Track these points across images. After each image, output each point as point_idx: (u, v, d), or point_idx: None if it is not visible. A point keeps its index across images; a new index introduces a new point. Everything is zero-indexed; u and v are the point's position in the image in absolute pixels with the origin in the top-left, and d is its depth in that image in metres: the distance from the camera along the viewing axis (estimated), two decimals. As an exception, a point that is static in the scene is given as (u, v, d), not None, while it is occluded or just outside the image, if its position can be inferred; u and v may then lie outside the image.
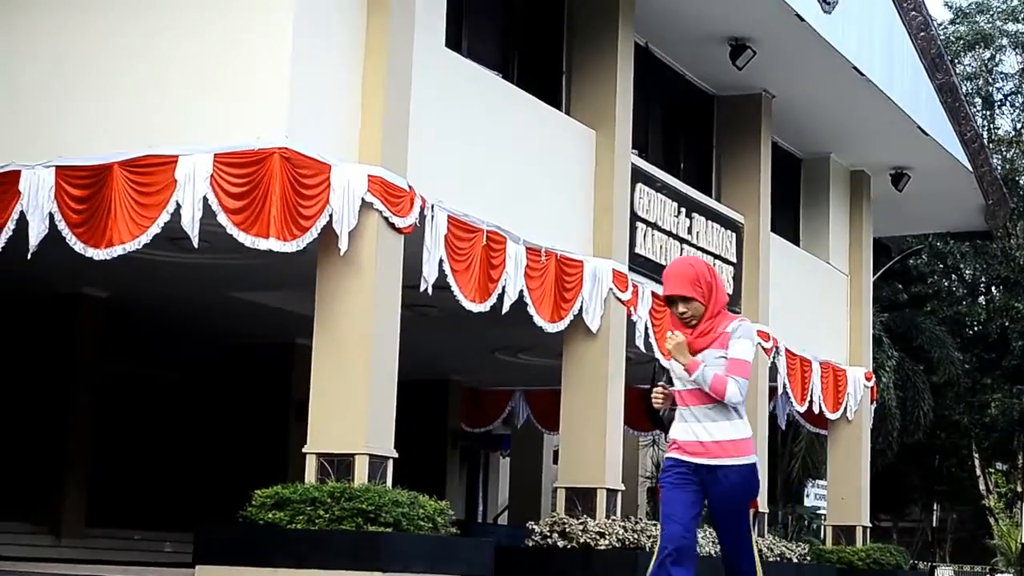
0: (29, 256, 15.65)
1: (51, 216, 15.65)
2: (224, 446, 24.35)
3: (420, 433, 26.52)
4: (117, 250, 15.32)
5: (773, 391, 25.54)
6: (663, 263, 22.18)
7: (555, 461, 26.36)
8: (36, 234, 15.67)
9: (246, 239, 14.87)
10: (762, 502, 24.27)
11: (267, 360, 24.30)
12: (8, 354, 21.42)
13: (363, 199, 15.46)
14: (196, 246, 15.21)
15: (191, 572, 14.76)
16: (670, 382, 9.80)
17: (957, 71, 52.16)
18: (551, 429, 27.87)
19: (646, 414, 24.86)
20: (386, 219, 15.71)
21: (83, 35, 16.21)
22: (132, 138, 15.47)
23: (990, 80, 57.07)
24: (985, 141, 40.17)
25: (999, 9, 55.74)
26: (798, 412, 26.98)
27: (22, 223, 15.73)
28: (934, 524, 60.32)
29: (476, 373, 29.37)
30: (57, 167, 15.67)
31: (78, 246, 15.53)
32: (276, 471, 16.08)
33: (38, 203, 15.71)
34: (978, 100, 56.27)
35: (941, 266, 55.19)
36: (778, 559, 23.85)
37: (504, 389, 30.32)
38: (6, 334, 21.34)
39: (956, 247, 52.75)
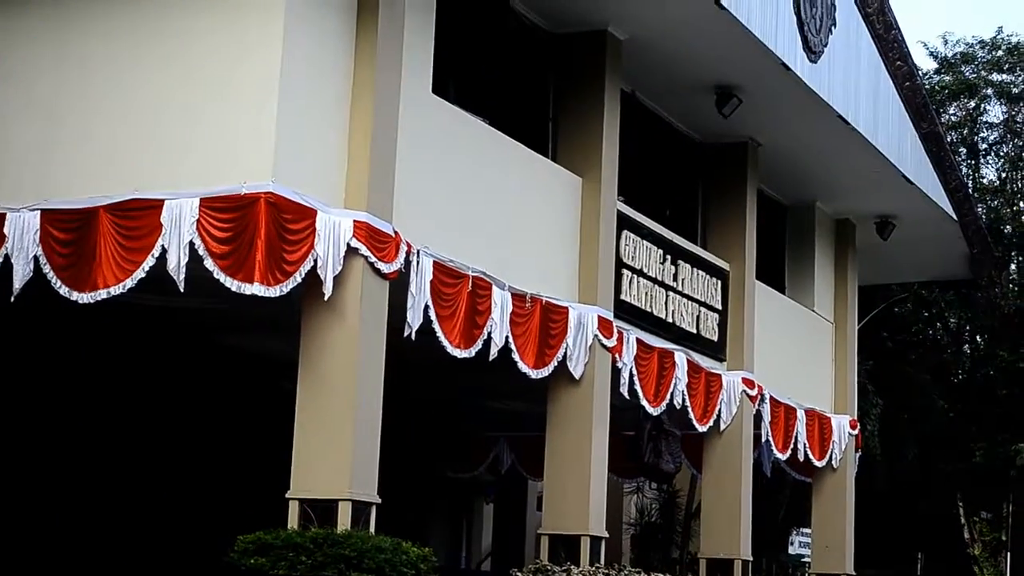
0: (12, 300, 15.62)
1: (36, 260, 15.63)
2: (208, 490, 24.21)
3: (403, 479, 26.43)
4: (101, 294, 15.33)
5: (757, 439, 25.52)
6: (648, 310, 22.21)
7: (539, 507, 26.30)
8: (21, 277, 15.66)
9: (232, 284, 14.85)
10: (748, 551, 24.31)
11: (250, 405, 24.19)
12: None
13: (348, 244, 15.46)
14: (182, 290, 15.16)
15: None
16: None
17: (942, 120, 52.35)
18: (535, 475, 27.82)
19: (631, 461, 25.05)
20: (371, 264, 15.71)
21: (70, 79, 16.23)
22: (118, 181, 15.48)
23: (975, 129, 57.22)
24: (970, 190, 40.36)
25: (984, 59, 55.95)
26: (782, 460, 26.96)
27: (6, 266, 15.70)
28: (919, 573, 60.14)
29: (461, 419, 29.28)
30: (42, 210, 15.67)
31: (63, 290, 15.53)
32: (261, 516, 15.95)
33: (23, 246, 15.70)
34: (963, 149, 56.45)
35: (926, 314, 55.21)
36: (762, 608, 23.78)
37: (489, 435, 30.25)
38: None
39: (941, 296, 52.80)
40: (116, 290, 15.27)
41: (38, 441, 21.70)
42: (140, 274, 15.17)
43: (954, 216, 29.22)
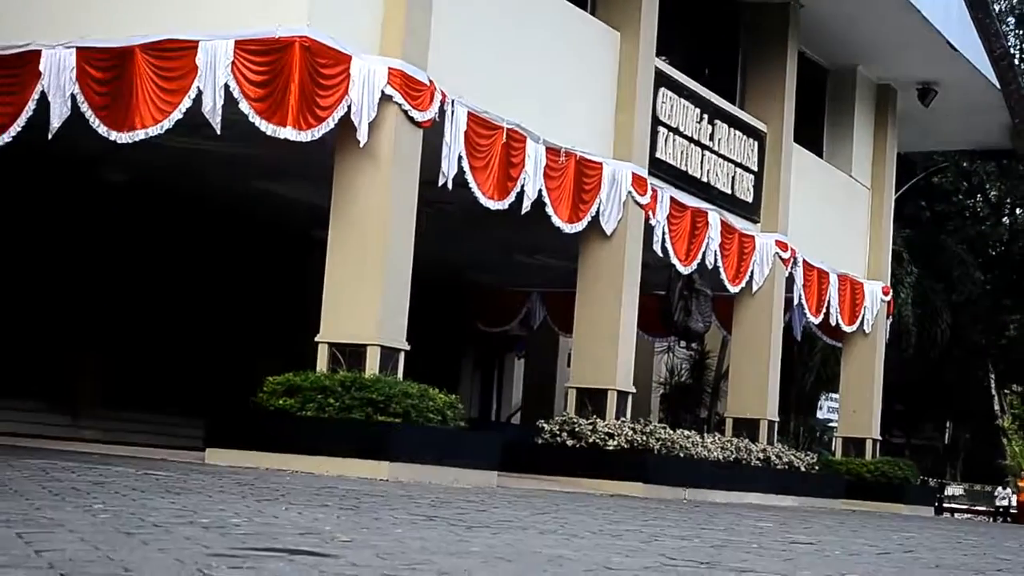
0: (51, 137, 15.67)
1: (73, 98, 15.64)
2: (240, 333, 24.48)
3: (436, 332, 26.62)
4: (140, 134, 15.35)
5: (789, 302, 25.57)
6: (683, 169, 22.16)
7: (569, 364, 26.46)
8: (58, 115, 15.68)
9: (267, 127, 14.88)
10: (775, 412, 24.46)
11: (283, 250, 24.37)
12: (28, 236, 21.50)
13: (383, 91, 15.45)
14: (218, 132, 15.18)
15: (202, 455, 14.89)
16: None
17: (991, -12, 51.59)
18: (567, 331, 27.93)
19: (662, 320, 25.12)
20: (405, 112, 15.70)
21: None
22: (153, 21, 15.43)
23: (1025, -1, 56.45)
24: (1016, 61, 39.85)
25: (1038, -74, 55.10)
26: (814, 324, 27.01)
27: (43, 104, 15.73)
28: (946, 442, 60.48)
29: (493, 273, 29.39)
30: (78, 48, 15.65)
31: (101, 129, 15.53)
32: (290, 360, 16.14)
33: (60, 84, 15.69)
34: (1011, 19, 55.70)
35: (966, 185, 54.90)
36: (786, 467, 23.97)
37: (521, 290, 30.35)
38: (26, 215, 21.40)
39: (982, 167, 52.45)
40: (154, 131, 15.31)
41: (85, 284, 21.97)
42: (177, 115, 15.19)
43: (997, 85, 28.89)
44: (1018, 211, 56.55)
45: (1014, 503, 46.34)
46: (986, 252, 54.04)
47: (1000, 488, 48.28)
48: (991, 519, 47.33)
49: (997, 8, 49.85)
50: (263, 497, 8.57)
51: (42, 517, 5.64)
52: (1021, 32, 56.46)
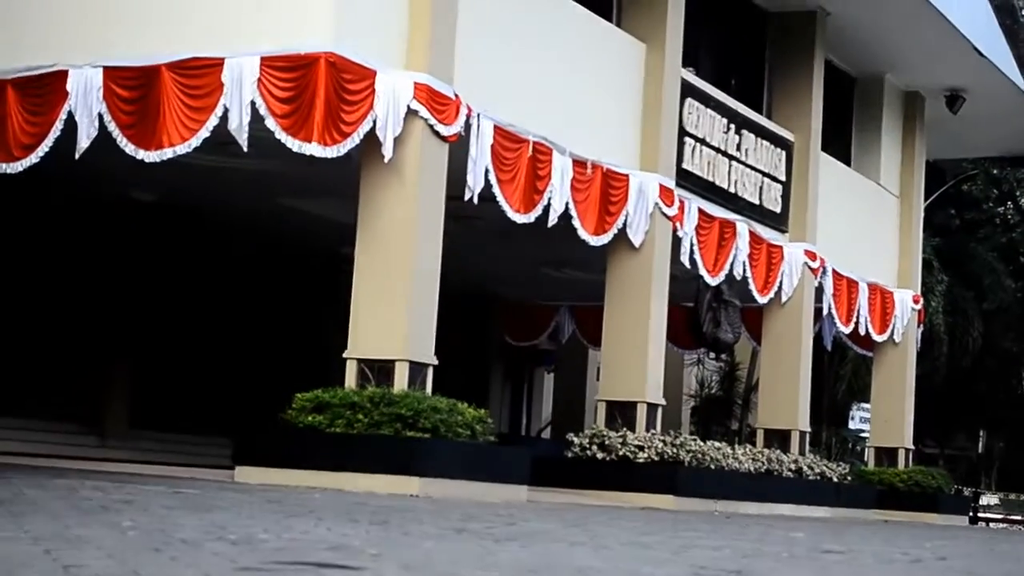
0: (77, 157, 15.71)
1: (100, 117, 15.68)
2: (268, 351, 24.52)
3: (464, 347, 26.61)
4: (167, 153, 15.37)
5: (819, 312, 25.47)
6: (711, 179, 22.11)
7: (599, 377, 26.44)
8: (86, 135, 15.70)
9: (293, 144, 14.91)
10: (806, 423, 24.37)
11: (312, 267, 24.40)
12: (56, 257, 21.57)
13: (408, 106, 15.45)
14: (245, 149, 15.21)
15: (231, 473, 14.89)
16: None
17: (1019, -6, 51.46)
18: (596, 345, 27.86)
19: (691, 332, 25.05)
20: (431, 127, 15.70)
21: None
22: (178, 39, 15.47)
23: (1053, 4, 56.29)
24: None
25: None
26: (844, 333, 26.91)
27: (70, 124, 15.77)
28: (980, 451, 60.15)
29: (522, 288, 29.37)
30: (104, 68, 15.69)
31: (128, 148, 15.55)
32: (319, 377, 16.17)
33: (87, 104, 15.73)
34: (1039, 25, 55.49)
35: (996, 192, 54.67)
36: (818, 478, 23.87)
37: (550, 304, 30.31)
38: (54, 236, 21.48)
39: (1012, 173, 52.23)
40: (181, 149, 15.32)
41: (113, 303, 22.02)
42: (204, 133, 15.21)
43: (1026, 90, 28.78)
44: (1049, 218, 56.28)
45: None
46: (1017, 260, 53.79)
47: None
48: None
49: (1024, 14, 49.64)
50: (292, 513, 8.56)
51: (70, 534, 5.63)
52: (1049, 38, 56.20)
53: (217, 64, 15.10)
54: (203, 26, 15.48)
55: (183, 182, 19.61)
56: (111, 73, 15.63)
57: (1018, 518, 49.42)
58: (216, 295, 24.17)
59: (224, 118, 15.05)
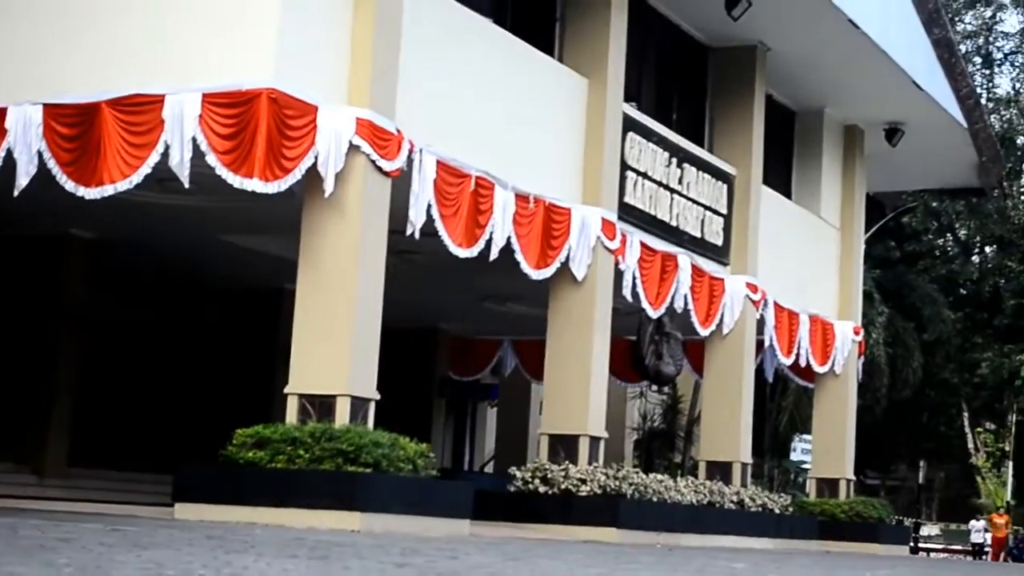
0: (16, 194, 15.61)
1: (40, 154, 15.59)
2: (209, 388, 24.40)
3: (407, 381, 26.58)
4: (108, 190, 15.28)
5: (760, 344, 25.59)
6: (653, 213, 22.22)
7: (542, 411, 26.47)
8: (25, 173, 15.60)
9: (235, 180, 14.86)
10: (748, 455, 24.46)
11: (254, 304, 24.32)
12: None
13: (350, 142, 15.47)
14: (187, 187, 15.16)
15: (171, 510, 14.79)
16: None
17: (957, 29, 52.05)
18: (539, 378, 27.90)
19: (633, 365, 25.07)
20: (373, 162, 15.72)
21: (73, -27, 16.12)
22: (119, 76, 15.42)
23: (990, 39, 56.98)
24: (983, 101, 40.09)
25: (1001, -34, 55.62)
26: (785, 365, 27.04)
27: (9, 162, 15.67)
28: (920, 482, 60.56)
29: (464, 322, 29.40)
30: (45, 105, 15.61)
31: (69, 185, 15.46)
32: (261, 414, 16.12)
33: (26, 141, 15.63)
34: (978, 59, 56.18)
35: (935, 224, 55.21)
36: (760, 509, 23.95)
37: (493, 338, 30.35)
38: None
39: (951, 206, 52.77)
40: (122, 185, 15.25)
41: (51, 341, 21.81)
42: (145, 170, 15.15)
43: (964, 123, 29.07)
44: (987, 249, 56.91)
45: (988, 541, 46.37)
46: (956, 291, 54.33)
47: (974, 520, 48.17)
48: (967, 557, 47.36)
49: (963, 48, 50.25)
50: (232, 549, 8.52)
51: (6, 572, 5.59)
52: (988, 72, 56.92)
53: (158, 101, 15.06)
54: (144, 63, 15.43)
55: (123, 219, 19.55)
56: (51, 110, 15.56)
57: (958, 548, 49.74)
58: (156, 331, 24.05)
59: (165, 155, 15.01)
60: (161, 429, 23.29)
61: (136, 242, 21.91)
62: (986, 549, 46.62)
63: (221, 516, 14.14)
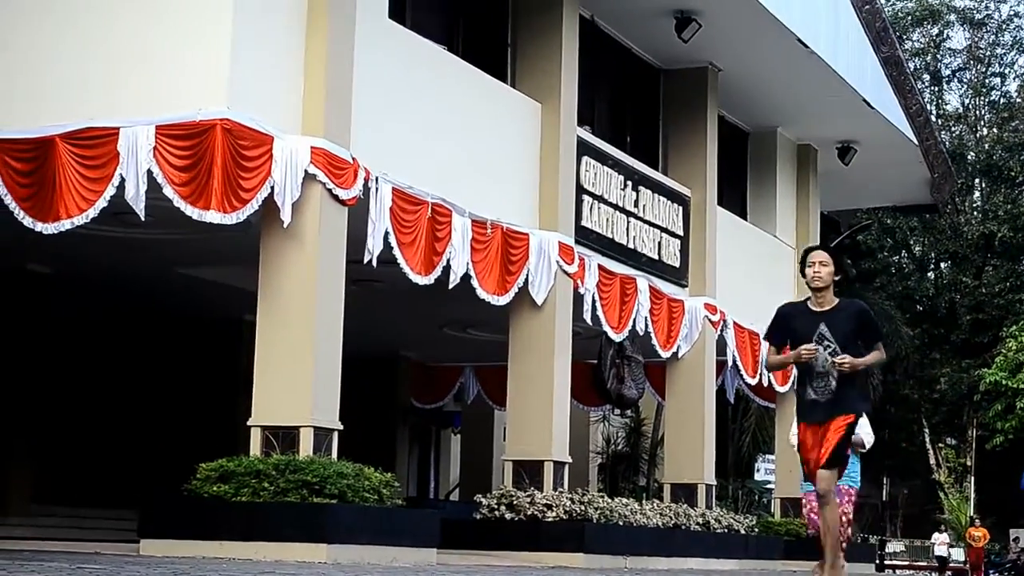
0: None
1: (-5, 190, 15.47)
2: (172, 421, 24.26)
3: (370, 410, 26.48)
4: (65, 224, 15.19)
5: (721, 365, 25.62)
6: (610, 236, 22.24)
7: (505, 437, 26.42)
8: (-20, 208, 15.50)
9: (192, 212, 14.80)
10: (712, 476, 24.46)
11: (215, 336, 24.20)
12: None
13: (306, 171, 15.43)
14: (143, 219, 15.10)
15: (137, 547, 14.69)
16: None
17: (905, 47, 52.44)
18: (501, 405, 27.87)
19: (595, 389, 25.04)
20: (329, 191, 15.69)
21: (24, 9, 16.04)
22: (73, 110, 15.33)
23: (938, 56, 57.41)
24: (933, 117, 40.39)
25: (946, -15, 56.07)
26: (748, 385, 27.08)
27: (-36, 198, 15.55)
28: (884, 499, 60.74)
29: (426, 349, 29.33)
30: (-2, 140, 15.51)
31: (26, 220, 15.34)
32: (225, 446, 16.03)
33: (-20, 177, 15.51)
34: (926, 76, 56.57)
35: (890, 242, 55.51)
36: (725, 531, 23.95)
37: (454, 365, 30.28)
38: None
39: (905, 223, 53.08)
40: (79, 220, 15.15)
41: (10, 378, 21.62)
42: (102, 203, 15.06)
43: (915, 140, 29.30)
44: (942, 265, 57.23)
45: (949, 554, 46.37)
46: (913, 308, 54.61)
47: (936, 534, 48.10)
48: (931, 573, 47.44)
49: (912, 66, 50.61)
50: (199, 583, 8.44)
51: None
52: (936, 89, 57.31)
53: (112, 134, 14.98)
54: (97, 96, 15.35)
55: (80, 253, 19.44)
56: (5, 145, 15.45)
57: (923, 564, 49.83)
58: (117, 366, 23.89)
59: (121, 188, 14.93)
60: (124, 464, 23.12)
61: (94, 276, 21.78)
62: (950, 564, 46.65)
63: (187, 551, 14.04)
